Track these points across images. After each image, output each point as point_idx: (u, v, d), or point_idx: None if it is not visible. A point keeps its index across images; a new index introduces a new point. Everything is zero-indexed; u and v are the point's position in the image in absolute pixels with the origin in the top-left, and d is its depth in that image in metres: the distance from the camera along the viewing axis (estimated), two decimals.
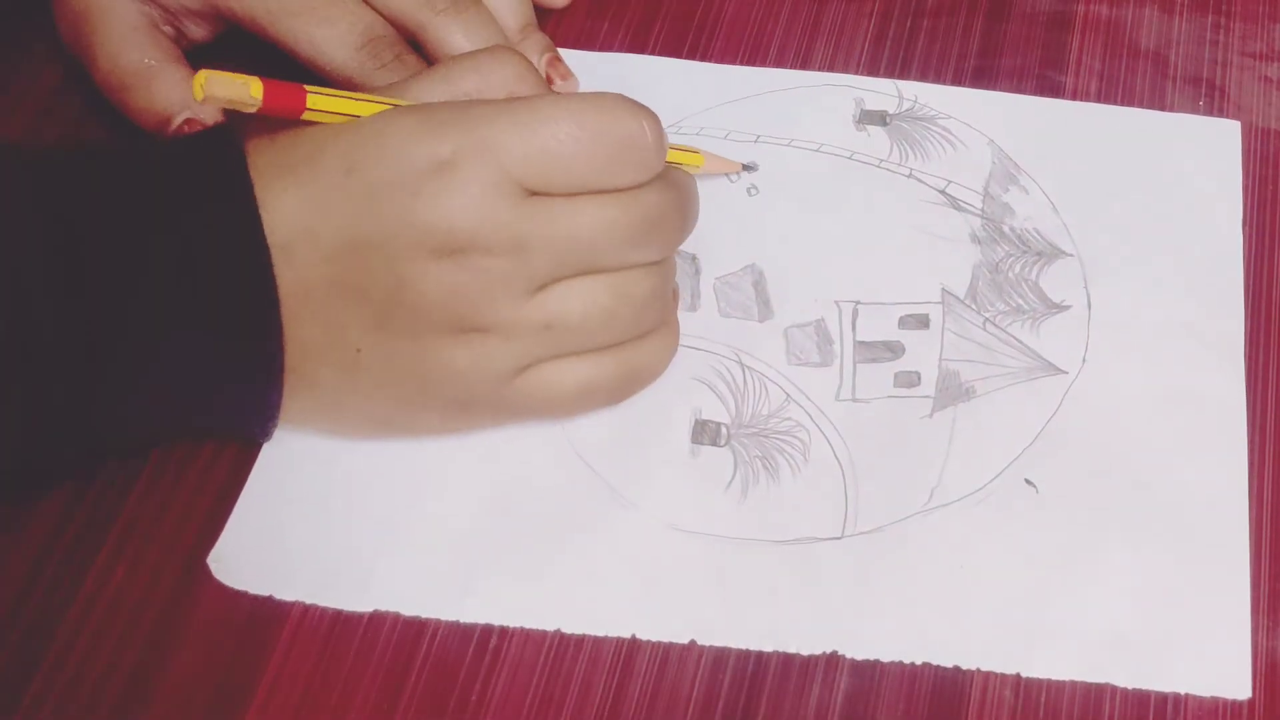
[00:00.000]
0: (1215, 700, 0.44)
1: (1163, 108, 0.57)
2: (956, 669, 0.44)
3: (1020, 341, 0.51)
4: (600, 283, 0.45)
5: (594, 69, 0.57)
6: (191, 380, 0.44)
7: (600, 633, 0.45)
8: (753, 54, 0.59)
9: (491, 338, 0.44)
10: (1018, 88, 0.58)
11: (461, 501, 0.48)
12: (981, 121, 0.57)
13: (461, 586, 0.46)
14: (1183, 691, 0.44)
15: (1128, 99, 0.58)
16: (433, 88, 0.46)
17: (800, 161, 0.56)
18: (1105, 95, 0.58)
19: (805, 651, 0.45)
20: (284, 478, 0.48)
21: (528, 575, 0.46)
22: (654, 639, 0.45)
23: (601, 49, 0.59)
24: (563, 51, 0.57)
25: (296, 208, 0.43)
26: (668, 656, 0.45)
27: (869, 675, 0.44)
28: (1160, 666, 0.44)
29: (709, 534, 0.47)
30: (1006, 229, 0.54)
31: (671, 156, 0.46)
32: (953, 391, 0.50)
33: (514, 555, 0.47)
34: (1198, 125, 0.57)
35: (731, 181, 0.55)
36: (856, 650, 0.45)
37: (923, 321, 0.51)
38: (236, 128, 0.45)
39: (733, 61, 0.59)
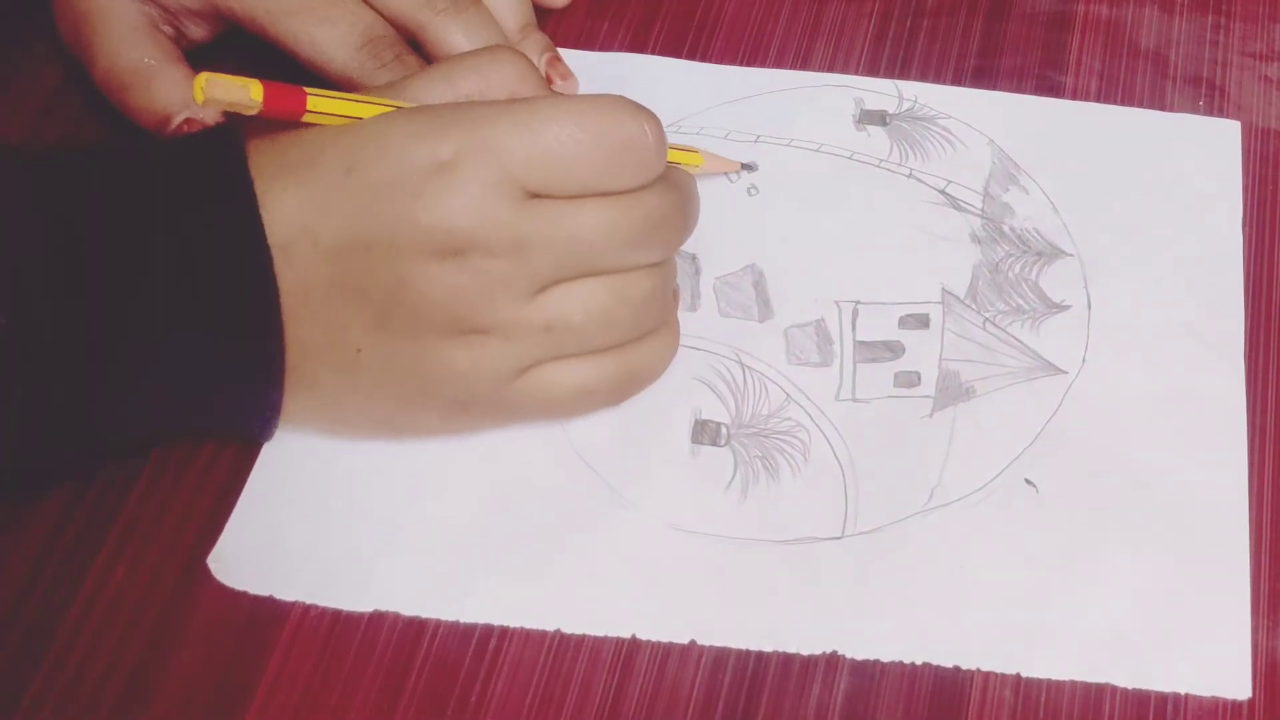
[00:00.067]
0: (1215, 700, 0.44)
1: (1163, 108, 0.57)
2: (956, 669, 0.44)
3: (1020, 341, 0.51)
4: (601, 284, 0.45)
5: (594, 69, 0.57)
6: (191, 380, 0.44)
7: (600, 633, 0.45)
8: (753, 54, 0.59)
9: (492, 339, 0.44)
10: (1018, 88, 0.58)
11: (461, 501, 0.48)
12: (981, 121, 0.57)
13: (461, 586, 0.46)
14: (1183, 691, 0.44)
15: (1128, 99, 0.58)
16: (433, 88, 0.46)
17: (800, 161, 0.56)
18: (1105, 95, 0.58)
19: (805, 651, 0.45)
20: (284, 478, 0.48)
21: (528, 575, 0.46)
22: (654, 639, 0.45)
23: (601, 49, 0.59)
24: (563, 51, 0.57)
25: (297, 208, 0.43)
26: (668, 656, 0.45)
27: (869, 675, 0.44)
28: (1160, 666, 0.44)
29: (709, 534, 0.47)
30: (1006, 229, 0.54)
31: (671, 157, 0.46)
32: (953, 391, 0.50)
33: (514, 555, 0.47)
34: (1198, 125, 0.57)
35: (731, 181, 0.55)
36: (856, 650, 0.45)
37: (923, 321, 0.51)
38: (237, 128, 0.45)
39: (733, 61, 0.59)
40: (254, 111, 0.42)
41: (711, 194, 0.53)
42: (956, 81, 0.58)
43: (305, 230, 0.43)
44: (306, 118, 0.43)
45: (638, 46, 0.59)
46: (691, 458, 0.49)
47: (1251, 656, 0.45)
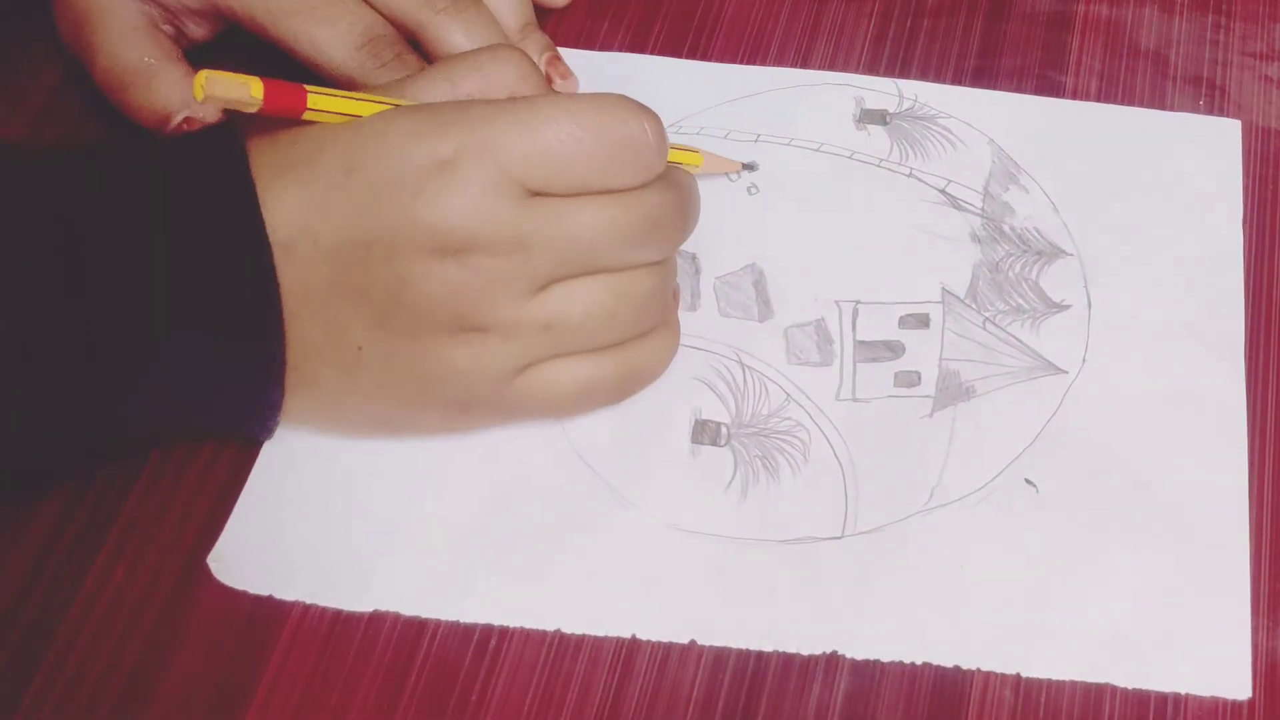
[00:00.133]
0: (1215, 700, 0.44)
1: (1163, 107, 0.57)
2: (956, 669, 0.44)
3: (1020, 341, 0.51)
4: (601, 283, 0.45)
5: (594, 69, 0.57)
6: (192, 380, 0.44)
7: (600, 633, 0.45)
8: (753, 54, 0.59)
9: (491, 337, 0.44)
10: (1018, 87, 0.58)
11: (461, 501, 0.48)
12: (981, 121, 0.57)
13: (461, 586, 0.46)
14: (1183, 691, 0.44)
15: (1128, 99, 0.58)
16: (434, 87, 0.46)
17: (800, 161, 0.56)
18: (1105, 95, 0.58)
19: (805, 651, 0.45)
20: (284, 477, 0.48)
21: (528, 575, 0.46)
22: (654, 639, 0.45)
23: (601, 49, 0.59)
24: (563, 51, 0.57)
25: (297, 207, 0.43)
26: (668, 656, 0.45)
27: (869, 675, 0.44)
28: (1160, 666, 0.44)
29: (709, 534, 0.47)
30: (1006, 228, 0.54)
31: (671, 157, 0.46)
32: (953, 391, 0.50)
33: (514, 555, 0.47)
34: (1198, 125, 0.57)
35: (731, 181, 0.55)
36: (856, 650, 0.45)
37: (923, 321, 0.51)
38: (237, 126, 0.45)
39: (733, 61, 0.59)
40: (254, 109, 0.42)
41: (711, 194, 0.53)
42: (957, 81, 0.58)
43: (305, 229, 0.43)
44: (307, 115, 0.43)
45: (638, 46, 0.59)
46: (691, 458, 0.49)
47: (1251, 656, 0.45)
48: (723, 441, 0.49)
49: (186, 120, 0.52)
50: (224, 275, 0.43)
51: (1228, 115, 0.57)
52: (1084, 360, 0.51)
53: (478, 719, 0.44)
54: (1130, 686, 0.44)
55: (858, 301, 0.52)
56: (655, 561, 0.46)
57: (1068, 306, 0.52)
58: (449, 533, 0.47)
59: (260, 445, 0.48)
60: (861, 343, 0.51)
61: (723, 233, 0.53)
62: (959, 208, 0.54)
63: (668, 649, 0.45)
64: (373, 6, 0.53)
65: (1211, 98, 0.58)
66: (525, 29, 0.56)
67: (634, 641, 0.45)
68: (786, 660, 0.45)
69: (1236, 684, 0.44)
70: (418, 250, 0.43)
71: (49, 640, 0.45)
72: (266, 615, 0.45)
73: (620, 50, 0.59)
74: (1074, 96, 0.58)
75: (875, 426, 0.49)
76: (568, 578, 0.46)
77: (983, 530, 0.47)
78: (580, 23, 0.60)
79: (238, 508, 0.47)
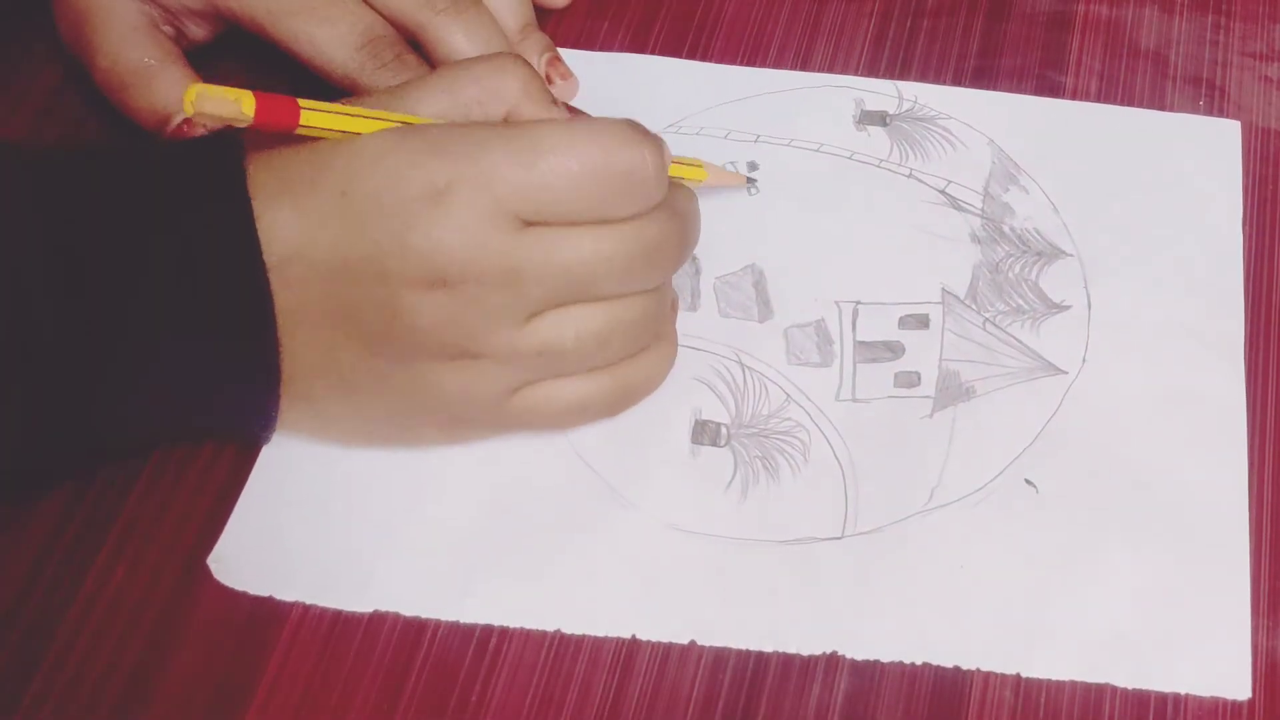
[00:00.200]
0: (1215, 700, 0.44)
1: (1163, 108, 0.57)
2: (956, 669, 0.44)
3: (1020, 341, 0.51)
4: (595, 309, 0.44)
5: (594, 69, 0.57)
6: (191, 380, 0.44)
7: (600, 633, 0.45)
8: (753, 54, 0.59)
9: (484, 363, 0.44)
10: (1018, 88, 0.58)
11: (461, 502, 0.48)
12: (981, 121, 0.57)
13: (461, 587, 0.46)
14: (1183, 691, 0.44)
15: (1128, 99, 0.58)
16: (433, 97, 0.45)
17: (800, 161, 0.56)
18: (1105, 95, 0.58)
19: (805, 651, 0.45)
20: (284, 478, 0.48)
21: (528, 575, 0.46)
22: (654, 639, 0.45)
23: (601, 49, 0.59)
24: (563, 51, 0.57)
25: (292, 228, 0.43)
26: (668, 656, 0.45)
27: (869, 675, 0.44)
28: (1160, 666, 0.44)
29: (709, 534, 0.47)
30: (1006, 229, 0.54)
31: (673, 171, 0.46)
32: (953, 391, 0.50)
33: (514, 555, 0.47)
34: (1198, 125, 0.57)
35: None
36: (856, 650, 0.45)
37: (923, 321, 0.51)
38: (237, 132, 0.45)
39: (733, 61, 0.59)
40: (245, 124, 0.42)
41: (711, 193, 0.53)
42: (956, 82, 0.58)
43: (299, 251, 0.43)
44: (300, 131, 0.43)
45: (638, 46, 0.59)
46: (691, 458, 0.49)
47: (1251, 656, 0.45)
48: (723, 442, 0.49)
49: (186, 122, 0.52)
50: (223, 276, 0.43)
51: (1228, 116, 0.57)
52: (1084, 360, 0.51)
53: (478, 719, 0.44)
54: (1130, 686, 0.44)
55: (858, 302, 0.52)
56: (655, 561, 0.46)
57: (1068, 307, 0.52)
58: (449, 533, 0.47)
59: (260, 447, 0.48)
60: (861, 343, 0.51)
61: (723, 233, 0.53)
62: (959, 208, 0.54)
63: (668, 649, 0.45)
64: (373, 7, 0.53)
65: (1211, 98, 0.58)
66: (525, 29, 0.56)
67: (634, 641, 0.45)
68: (786, 660, 0.45)
69: (1236, 684, 0.44)
70: (409, 279, 0.42)
71: (49, 640, 0.45)
72: (266, 615, 0.45)
73: (620, 50, 0.59)
74: (1074, 97, 0.58)
75: (875, 427, 0.49)
76: (568, 578, 0.46)
77: (983, 530, 0.47)
78: (580, 23, 0.60)
79: (238, 508, 0.47)
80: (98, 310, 0.42)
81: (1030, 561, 0.46)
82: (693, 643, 0.45)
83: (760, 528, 0.47)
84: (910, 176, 0.55)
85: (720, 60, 0.59)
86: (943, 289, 0.52)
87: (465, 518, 0.47)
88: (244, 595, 0.46)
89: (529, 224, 0.43)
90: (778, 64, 0.59)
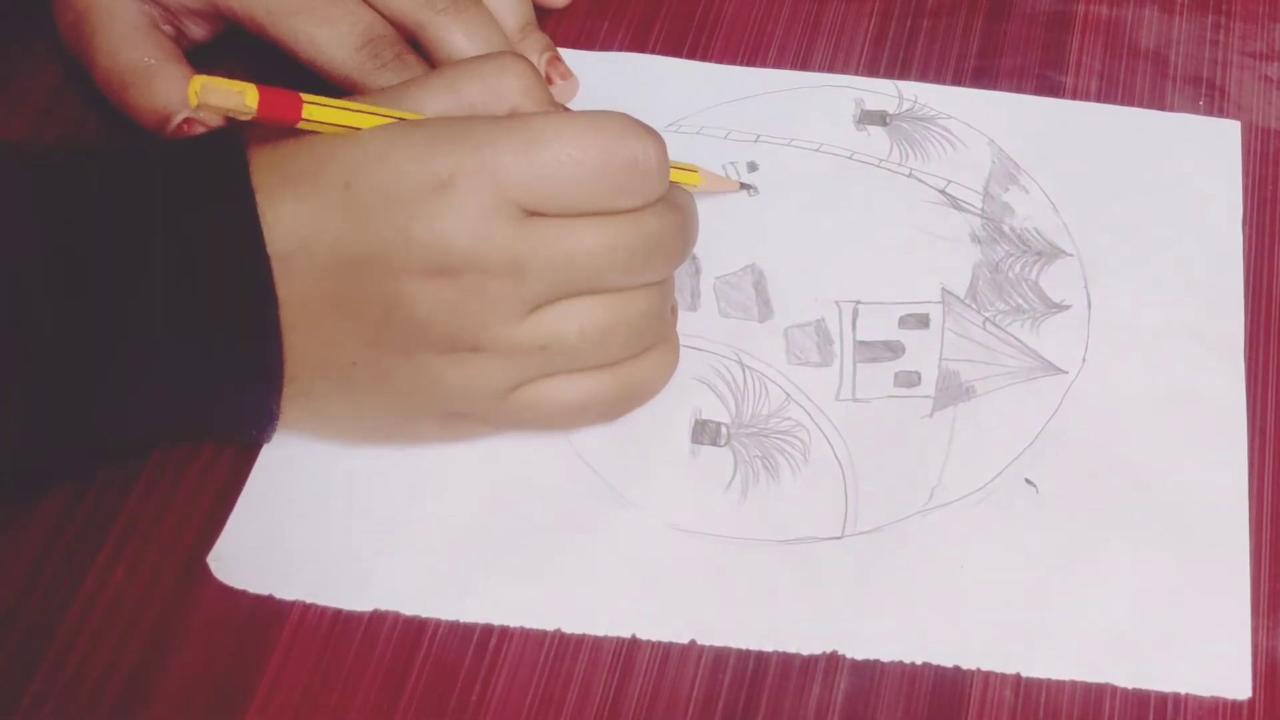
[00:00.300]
0: (1215, 700, 0.44)
1: (1163, 108, 0.57)
2: (956, 669, 0.44)
3: (1020, 341, 0.51)
4: (597, 303, 0.44)
5: (594, 69, 0.57)
6: (191, 381, 0.44)
7: (600, 633, 0.45)
8: (753, 54, 0.59)
9: (485, 356, 0.44)
10: (1018, 88, 0.58)
11: (461, 501, 0.48)
12: (981, 121, 0.57)
13: (461, 586, 0.46)
14: (1183, 691, 0.44)
15: (1128, 99, 0.58)
16: (435, 96, 0.45)
17: (800, 161, 0.56)
18: (1105, 95, 0.58)
19: (805, 651, 0.45)
20: (284, 478, 0.48)
21: (528, 575, 0.46)
22: (654, 639, 0.45)
23: (601, 49, 0.59)
24: (563, 51, 0.57)
25: (295, 221, 0.43)
26: (668, 656, 0.45)
27: (869, 675, 0.44)
28: (1160, 666, 0.44)
29: (709, 534, 0.47)
30: (1006, 228, 0.54)
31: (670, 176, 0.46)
32: (953, 391, 0.50)
33: (514, 555, 0.47)
34: (1198, 125, 0.57)
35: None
36: (856, 650, 0.45)
37: (923, 321, 0.51)
38: (238, 129, 0.45)
39: (733, 61, 0.59)
40: (249, 117, 0.42)
41: (710, 194, 0.53)
42: (956, 81, 0.58)
43: (302, 244, 0.43)
44: (302, 125, 0.43)
45: (638, 46, 0.59)
46: (691, 458, 0.49)
47: (1251, 656, 0.45)
48: (723, 441, 0.49)
49: (187, 121, 0.52)
50: (223, 277, 0.43)
51: (1228, 115, 0.57)
52: (1084, 360, 0.51)
53: (478, 719, 0.44)
54: (1130, 686, 0.44)
55: (858, 301, 0.52)
56: (655, 561, 0.46)
57: (1068, 307, 0.52)
58: (449, 532, 0.47)
59: (260, 446, 0.48)
60: (861, 343, 0.51)
61: (723, 233, 0.53)
62: (959, 208, 0.54)
63: (668, 649, 0.45)
64: (373, 7, 0.53)
65: (1211, 98, 0.58)
66: (525, 29, 0.56)
67: (634, 641, 0.45)
68: (786, 660, 0.45)
69: (1236, 684, 0.44)
70: (412, 270, 0.42)
71: (49, 640, 0.45)
72: (266, 615, 0.45)
73: (620, 50, 0.59)
74: (1074, 97, 0.58)
75: (875, 426, 0.49)
76: (568, 578, 0.46)
77: (983, 530, 0.47)
78: (580, 23, 0.60)
79: (238, 508, 0.47)
80: (98, 310, 0.42)
81: (1030, 561, 0.46)
82: (693, 642, 0.45)
83: (760, 527, 0.47)
84: (910, 176, 0.55)
85: (720, 60, 0.59)
86: (943, 289, 0.52)
87: (466, 515, 0.47)
88: (244, 595, 0.46)
89: (532, 215, 0.43)
90: (778, 64, 0.59)
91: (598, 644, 0.45)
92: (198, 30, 0.55)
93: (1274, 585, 0.46)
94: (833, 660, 0.45)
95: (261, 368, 0.44)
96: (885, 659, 0.45)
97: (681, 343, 0.50)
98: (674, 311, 0.50)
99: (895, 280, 0.52)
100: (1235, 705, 0.44)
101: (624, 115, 0.44)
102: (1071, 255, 0.53)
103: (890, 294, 0.52)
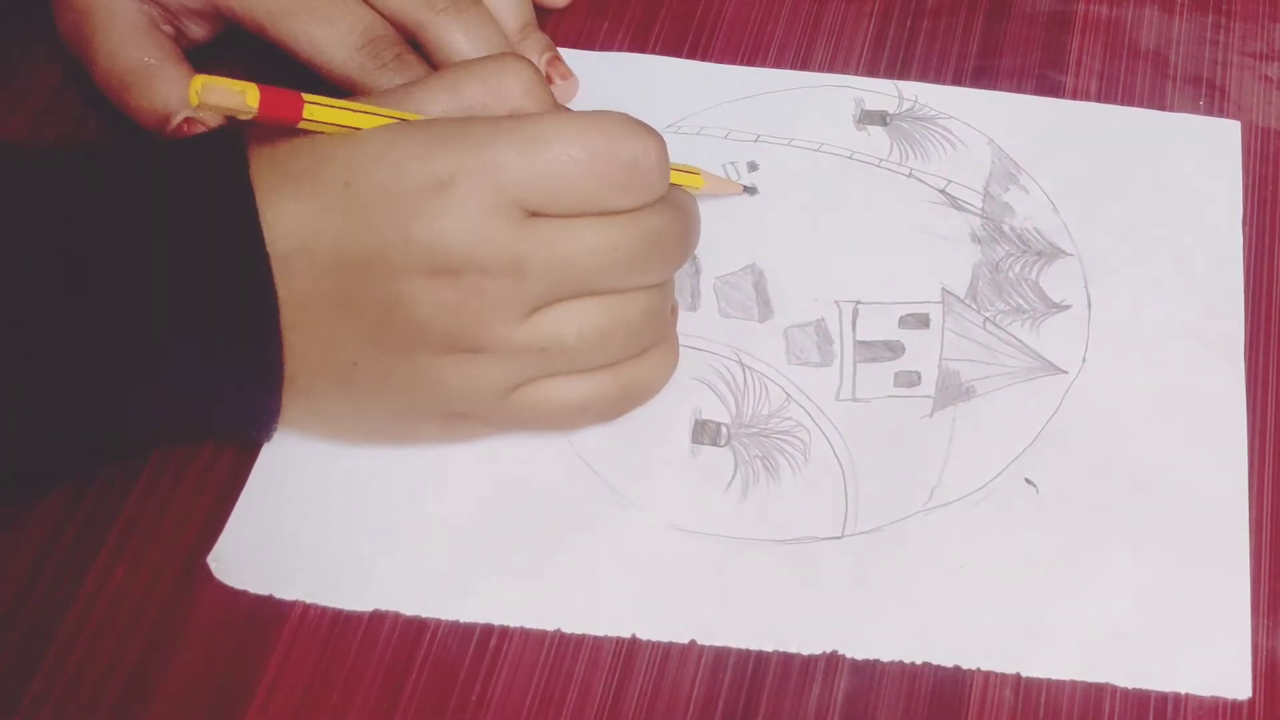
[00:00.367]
0: (1215, 700, 0.44)
1: (1163, 108, 0.57)
2: (956, 669, 0.44)
3: (1020, 341, 0.51)
4: (597, 304, 0.44)
5: (594, 69, 0.57)
6: (191, 381, 0.44)
7: (600, 633, 0.45)
8: (753, 54, 0.59)
9: (485, 357, 0.44)
10: (1018, 88, 0.58)
11: (461, 501, 0.48)
12: (981, 121, 0.57)
13: (461, 586, 0.46)
14: (1183, 691, 0.44)
15: (1128, 99, 0.58)
16: (436, 97, 0.45)
17: (800, 161, 0.56)
18: (1105, 95, 0.58)
19: (805, 651, 0.45)
20: (284, 478, 0.48)
21: (528, 575, 0.46)
22: (654, 639, 0.45)
23: (601, 49, 0.59)
24: (563, 51, 0.57)
25: (295, 221, 0.43)
26: (668, 656, 0.45)
27: (869, 675, 0.44)
28: (1160, 666, 0.44)
29: (709, 534, 0.47)
30: (1006, 228, 0.54)
31: (670, 177, 0.46)
32: (953, 391, 0.50)
33: (514, 555, 0.47)
34: (1198, 125, 0.57)
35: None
36: (856, 650, 0.45)
37: (923, 321, 0.51)
38: (238, 129, 0.45)
39: (733, 61, 0.59)
40: (249, 116, 0.42)
41: (711, 194, 0.53)
42: (956, 81, 0.58)
43: (302, 244, 0.43)
44: (303, 125, 0.43)
45: (638, 46, 0.59)
46: (691, 458, 0.49)
47: (1251, 656, 0.45)
48: (723, 441, 0.49)
49: (187, 121, 0.52)
50: (224, 277, 0.43)
51: (1228, 115, 0.57)
52: (1084, 360, 0.51)
53: (478, 719, 0.44)
54: (1130, 686, 0.44)
55: (858, 301, 0.52)
56: (655, 561, 0.47)
57: (1068, 306, 0.52)
58: (449, 532, 0.47)
59: (260, 446, 0.48)
60: (861, 343, 0.51)
61: (723, 233, 0.53)
62: (959, 208, 0.54)
63: (668, 649, 0.45)
64: (373, 7, 0.53)
65: (1211, 98, 0.58)
66: (525, 29, 0.56)
67: (634, 641, 0.45)
68: (786, 660, 0.45)
69: (1236, 684, 0.44)
70: (412, 270, 0.42)
71: (49, 640, 0.45)
72: (266, 615, 0.45)
73: (620, 50, 0.59)
74: (1074, 97, 0.58)
75: (875, 426, 0.49)
76: (568, 578, 0.46)
77: (983, 530, 0.47)
78: (580, 23, 0.60)
79: (238, 508, 0.47)
80: (98, 310, 0.42)
81: (1030, 561, 0.46)
82: (693, 642, 0.45)
83: (760, 527, 0.47)
84: (910, 176, 0.55)
85: (720, 60, 0.59)
86: (943, 288, 0.52)
87: (465, 515, 0.47)
88: (244, 595, 0.46)
89: (532, 215, 0.43)
90: (778, 64, 0.59)
91: (598, 644, 0.45)
92: (198, 30, 0.55)
93: (1274, 585, 0.46)
94: (833, 660, 0.45)
95: (261, 368, 0.44)
96: (885, 659, 0.45)
97: (681, 343, 0.50)
98: (674, 311, 0.50)
99: (895, 280, 0.52)
100: (1235, 705, 0.44)
101: (624, 115, 0.44)
102: (1071, 255, 0.53)
103: (890, 294, 0.52)
